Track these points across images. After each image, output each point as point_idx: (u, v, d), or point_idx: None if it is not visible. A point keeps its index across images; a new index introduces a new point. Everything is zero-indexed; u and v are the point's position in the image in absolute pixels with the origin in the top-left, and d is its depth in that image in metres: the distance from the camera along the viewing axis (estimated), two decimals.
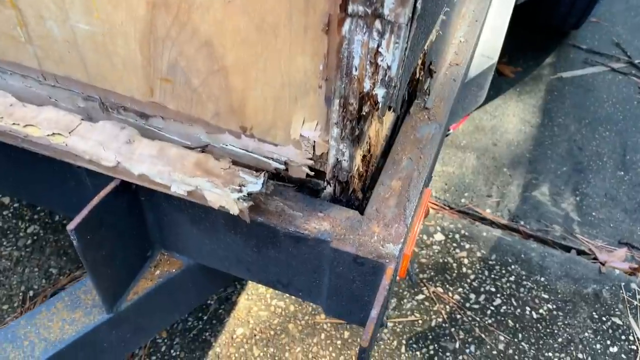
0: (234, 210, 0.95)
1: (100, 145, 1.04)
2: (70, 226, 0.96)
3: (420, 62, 1.06)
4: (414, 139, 1.21)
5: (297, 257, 1.08)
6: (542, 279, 2.39)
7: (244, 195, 0.97)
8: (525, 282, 2.37)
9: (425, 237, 2.51)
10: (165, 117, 1.08)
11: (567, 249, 2.52)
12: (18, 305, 2.22)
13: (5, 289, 2.26)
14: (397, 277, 1.15)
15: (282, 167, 1.06)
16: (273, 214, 1.05)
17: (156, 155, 1.03)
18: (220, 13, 0.86)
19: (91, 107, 1.14)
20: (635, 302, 2.32)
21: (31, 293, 2.25)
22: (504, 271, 2.41)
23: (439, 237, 2.53)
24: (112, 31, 0.98)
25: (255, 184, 0.98)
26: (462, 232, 2.55)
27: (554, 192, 2.75)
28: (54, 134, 1.06)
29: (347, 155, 0.92)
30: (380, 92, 0.80)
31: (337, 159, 0.93)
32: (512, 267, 2.43)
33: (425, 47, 1.03)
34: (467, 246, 2.50)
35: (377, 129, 1.09)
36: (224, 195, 0.97)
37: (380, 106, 0.82)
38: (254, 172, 1.01)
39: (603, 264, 2.46)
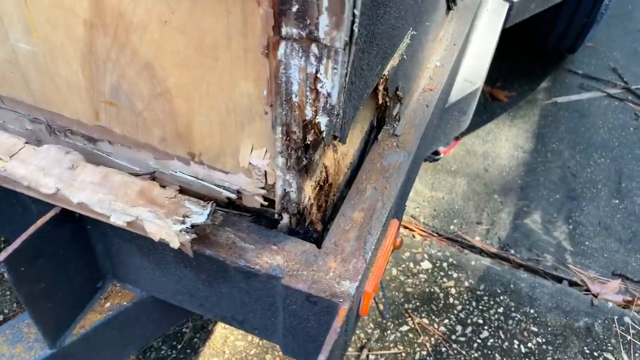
0: (174, 243, 0.89)
1: (41, 171, 0.98)
2: (0, 258, 0.89)
3: (382, 87, 1.00)
4: (381, 167, 1.14)
5: (249, 293, 1.01)
6: (532, 310, 2.30)
7: (187, 228, 0.90)
8: (514, 314, 2.28)
9: (411, 265, 2.43)
10: (113, 141, 1.03)
11: (559, 280, 2.43)
12: None
13: None
14: (360, 316, 1.08)
15: (234, 196, 1.00)
16: (223, 246, 0.98)
17: (99, 182, 0.97)
18: (158, 34, 0.80)
19: (38, 130, 1.09)
20: (629, 337, 2.22)
21: (1, 317, 2.18)
22: (492, 302, 2.32)
23: (426, 265, 2.45)
24: (52, 52, 0.92)
25: (200, 215, 0.92)
26: (450, 260, 2.47)
27: (546, 220, 2.67)
28: None
29: (295, 186, 0.85)
30: (322, 120, 0.74)
31: (285, 189, 0.87)
32: (501, 297, 2.34)
33: (386, 72, 0.97)
34: (455, 275, 2.41)
35: (337, 157, 1.03)
36: (165, 227, 0.90)
37: (324, 135, 0.76)
38: (201, 202, 0.95)
39: (596, 296, 2.37)
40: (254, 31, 0.73)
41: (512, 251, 2.54)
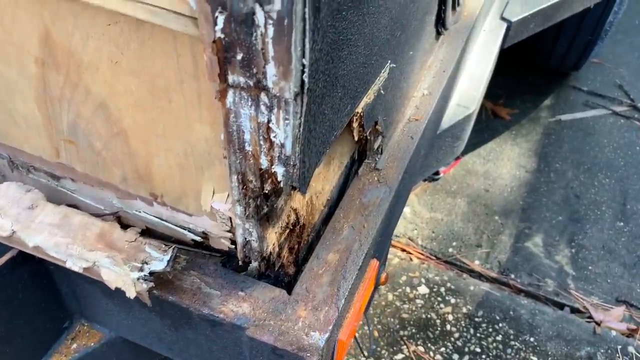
0: (131, 292, 0.84)
1: None
2: None
3: (356, 124, 0.94)
4: (360, 204, 1.09)
5: (215, 341, 0.96)
6: (532, 339, 2.22)
7: (145, 275, 0.85)
8: (513, 342, 2.21)
9: (408, 290, 2.37)
10: (75, 179, 0.98)
11: (560, 306, 2.35)
12: None
13: None
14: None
15: (199, 238, 0.94)
16: (187, 292, 0.93)
17: (58, 224, 0.93)
18: (110, 74, 0.76)
19: (2, 165, 1.05)
20: None
21: None
22: (490, 329, 2.25)
23: (423, 290, 2.38)
24: (8, 88, 0.88)
25: (160, 261, 0.87)
26: (448, 285, 2.40)
27: (548, 243, 2.59)
28: None
29: (255, 235, 0.80)
30: (279, 171, 0.68)
31: (245, 238, 0.81)
32: (500, 325, 2.27)
33: (360, 109, 0.91)
34: (453, 301, 2.34)
35: (309, 197, 0.98)
36: (122, 274, 0.85)
37: (282, 185, 0.70)
38: (163, 246, 0.90)
39: (598, 324, 2.28)
40: (206, 75, 0.68)
41: (513, 276, 2.46)
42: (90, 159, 0.92)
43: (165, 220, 0.95)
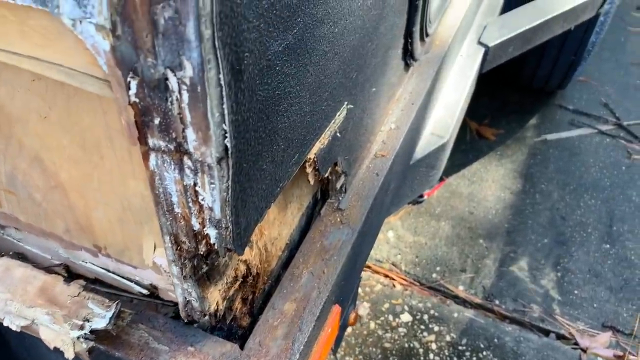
0: (69, 353, 0.80)
1: None
2: None
3: (310, 169, 0.91)
4: (320, 248, 1.05)
5: None
6: None
7: (86, 333, 0.81)
8: None
9: (390, 318, 2.32)
10: (19, 228, 0.94)
11: (546, 333, 2.31)
12: None
13: None
14: None
15: (146, 291, 0.90)
16: (134, 347, 0.88)
17: None
18: (40, 128, 0.72)
19: None
20: None
21: None
22: (474, 358, 2.20)
23: (405, 317, 2.33)
24: None
25: (102, 318, 0.83)
26: (432, 312, 2.35)
27: (534, 266, 2.55)
28: None
29: (195, 295, 0.76)
30: (212, 233, 0.65)
31: (185, 298, 0.78)
32: (484, 353, 2.22)
33: (313, 155, 0.88)
34: (436, 329, 2.30)
35: (263, 245, 0.94)
36: (62, 333, 0.81)
37: (216, 247, 0.67)
38: (106, 301, 0.86)
39: (584, 351, 2.24)
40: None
41: (497, 301, 2.42)
42: (32, 210, 0.88)
43: (112, 272, 0.91)
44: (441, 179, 2.91)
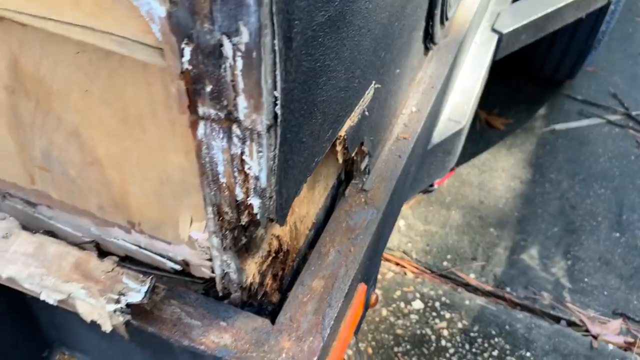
0: (107, 326, 0.81)
1: None
2: None
3: (339, 147, 0.92)
4: (346, 228, 1.06)
5: None
6: (528, 354, 2.19)
7: (122, 307, 0.82)
8: (509, 358, 2.17)
9: (402, 305, 2.33)
10: (51, 206, 0.95)
11: (557, 320, 2.32)
12: None
13: None
14: None
15: (179, 267, 0.92)
16: (167, 323, 0.90)
17: (32, 254, 0.89)
18: (81, 102, 0.73)
19: None
20: None
21: None
22: (486, 344, 2.22)
23: (417, 305, 2.35)
24: None
25: (137, 292, 0.84)
26: (443, 299, 2.36)
27: (544, 255, 2.56)
28: None
29: (234, 267, 0.77)
30: (255, 203, 0.66)
31: (223, 270, 0.79)
32: (496, 339, 2.23)
33: (343, 132, 0.89)
34: (448, 316, 2.31)
35: (293, 222, 0.95)
36: (98, 307, 0.82)
37: (259, 218, 0.68)
38: (141, 276, 0.87)
39: (595, 338, 2.25)
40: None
41: (508, 289, 2.43)
42: (66, 187, 0.89)
43: (144, 248, 0.92)
44: (451, 168, 2.92)
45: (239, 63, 0.52)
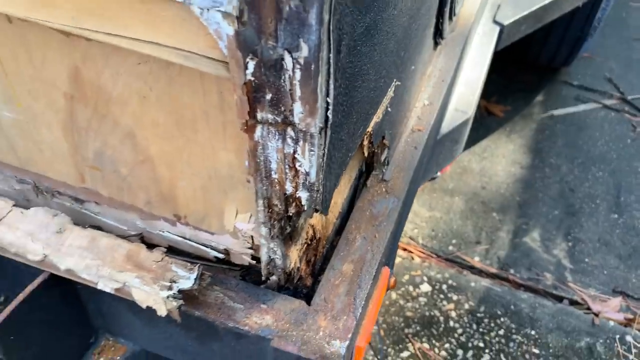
0: (162, 311, 0.89)
1: (29, 236, 0.98)
2: None
3: (366, 142, 1.00)
4: (370, 216, 1.14)
5: (240, 352, 1.01)
6: (533, 332, 2.28)
7: (175, 293, 0.90)
8: (515, 336, 2.27)
9: (411, 289, 2.43)
10: (99, 202, 1.03)
11: (559, 299, 2.42)
12: None
13: None
14: None
15: (221, 255, 0.99)
16: (212, 306, 0.98)
17: (86, 247, 0.97)
18: (138, 107, 0.80)
19: (26, 190, 1.09)
20: (631, 356, 2.21)
21: None
22: (492, 324, 2.31)
23: (425, 288, 2.44)
24: (35, 119, 0.93)
25: (187, 279, 0.92)
26: (450, 282, 2.46)
27: (545, 237, 2.66)
28: None
29: (280, 253, 0.85)
30: (303, 195, 0.74)
31: (270, 256, 0.87)
32: (502, 319, 2.33)
33: (370, 128, 0.97)
34: (455, 297, 2.41)
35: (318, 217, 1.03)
36: (153, 293, 0.90)
37: (305, 209, 0.75)
38: (188, 264, 0.95)
39: (597, 315, 2.35)
40: (232, 108, 0.73)
41: (512, 271, 2.53)
42: (115, 184, 0.96)
43: (188, 239, 1.00)
44: None
45: (297, 74, 0.60)
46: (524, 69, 3.58)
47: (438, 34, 1.43)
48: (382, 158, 1.19)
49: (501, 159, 3.04)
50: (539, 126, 3.24)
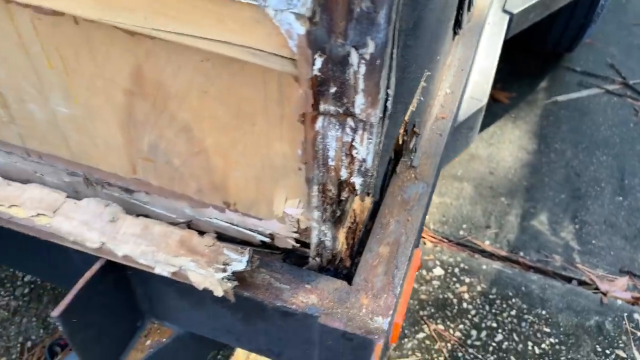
0: (218, 291, 0.95)
1: (85, 225, 1.04)
2: (55, 313, 0.95)
3: (402, 130, 1.05)
4: (401, 200, 1.20)
5: (286, 329, 1.07)
6: (544, 312, 2.36)
7: (229, 275, 0.96)
8: (526, 316, 2.35)
9: (424, 273, 2.50)
10: (149, 192, 1.08)
11: (568, 280, 2.50)
12: (16, 357, 2.20)
13: (3, 341, 2.25)
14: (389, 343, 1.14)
15: (267, 239, 1.05)
16: (260, 287, 1.04)
17: (140, 234, 1.03)
18: (197, 102, 0.86)
19: (76, 182, 1.14)
20: (639, 333, 2.29)
21: (29, 344, 2.24)
22: (504, 305, 2.39)
23: (438, 271, 2.51)
24: (92, 115, 0.98)
25: (239, 262, 0.98)
26: (462, 265, 2.53)
27: (553, 220, 2.73)
28: (38, 214, 1.06)
29: (330, 236, 0.91)
30: (357, 181, 0.79)
31: (320, 239, 0.93)
32: (513, 300, 2.41)
33: (406, 117, 1.02)
34: (467, 280, 2.48)
35: (361, 201, 1.09)
36: (208, 276, 0.96)
37: (358, 193, 0.81)
38: (239, 248, 1.01)
39: (605, 294, 2.43)
40: (290, 101, 0.78)
41: (522, 253, 2.60)
42: (167, 174, 1.02)
43: (236, 225, 1.06)
44: None
45: (362, 69, 0.65)
46: (527, 56, 3.64)
47: (457, 24, 1.49)
48: (411, 145, 1.25)
49: (508, 144, 3.11)
50: (543, 112, 3.30)
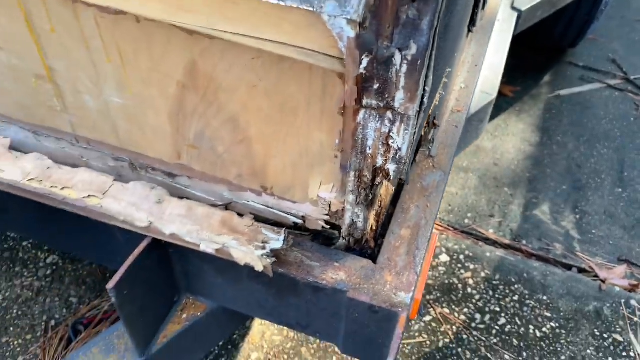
0: (259, 267, 1.04)
1: (133, 206, 1.13)
2: (110, 285, 1.05)
3: (425, 123, 1.15)
4: (421, 188, 1.30)
5: (315, 304, 1.17)
6: (545, 297, 2.47)
7: (268, 252, 1.06)
8: (528, 301, 2.45)
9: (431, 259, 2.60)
10: (191, 176, 1.17)
11: (569, 267, 2.60)
12: (41, 335, 2.31)
13: (28, 319, 2.35)
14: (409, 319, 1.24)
15: (300, 221, 1.15)
16: (292, 264, 1.14)
17: (185, 215, 1.12)
18: (246, 95, 0.95)
19: (120, 167, 1.24)
20: (636, 319, 2.40)
21: (53, 323, 2.34)
22: (507, 291, 2.49)
23: (444, 258, 2.61)
24: (143, 105, 1.07)
25: (277, 240, 1.07)
26: (467, 252, 2.63)
27: (554, 210, 2.83)
28: (89, 195, 1.15)
29: (362, 217, 1.00)
30: (392, 167, 0.89)
31: (353, 220, 1.02)
32: (516, 286, 2.51)
33: (431, 110, 1.12)
34: (472, 267, 2.58)
35: (388, 187, 1.18)
36: (249, 253, 1.06)
37: (391, 179, 0.91)
38: (275, 228, 1.10)
39: (603, 282, 2.54)
40: (332, 97, 0.87)
41: (524, 242, 2.70)
42: (210, 160, 1.11)
43: (271, 208, 1.15)
44: None
45: (404, 68, 0.74)
46: (531, 51, 3.72)
47: (472, 23, 1.57)
48: (430, 136, 1.35)
49: (512, 137, 3.20)
50: (546, 106, 3.40)
